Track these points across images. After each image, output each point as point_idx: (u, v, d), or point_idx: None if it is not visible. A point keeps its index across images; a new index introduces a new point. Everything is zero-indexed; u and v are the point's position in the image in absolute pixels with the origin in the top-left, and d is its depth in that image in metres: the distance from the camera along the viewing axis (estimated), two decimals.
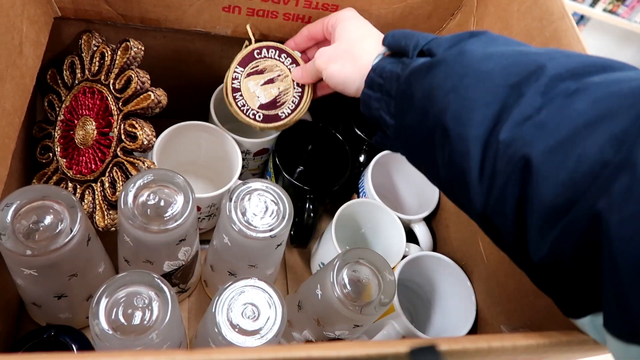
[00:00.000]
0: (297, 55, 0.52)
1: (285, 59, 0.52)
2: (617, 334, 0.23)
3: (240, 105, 0.51)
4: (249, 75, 0.51)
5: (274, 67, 0.52)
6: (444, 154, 0.32)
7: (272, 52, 0.52)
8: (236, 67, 0.51)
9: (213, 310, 0.37)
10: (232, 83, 0.51)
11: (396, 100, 0.36)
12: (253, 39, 0.52)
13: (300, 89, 0.52)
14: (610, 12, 2.08)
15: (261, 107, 0.51)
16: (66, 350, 0.44)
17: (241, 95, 0.51)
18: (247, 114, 0.51)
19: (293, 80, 0.52)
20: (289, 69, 0.52)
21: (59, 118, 0.51)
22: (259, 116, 0.51)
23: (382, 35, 0.42)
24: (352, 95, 0.43)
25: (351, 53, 0.42)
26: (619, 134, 0.23)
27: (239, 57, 0.51)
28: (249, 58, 0.51)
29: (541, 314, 0.40)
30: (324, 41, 0.50)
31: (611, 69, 0.27)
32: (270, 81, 0.51)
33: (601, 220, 0.22)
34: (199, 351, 0.20)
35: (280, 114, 0.52)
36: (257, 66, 0.51)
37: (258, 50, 0.51)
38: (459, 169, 0.30)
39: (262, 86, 0.51)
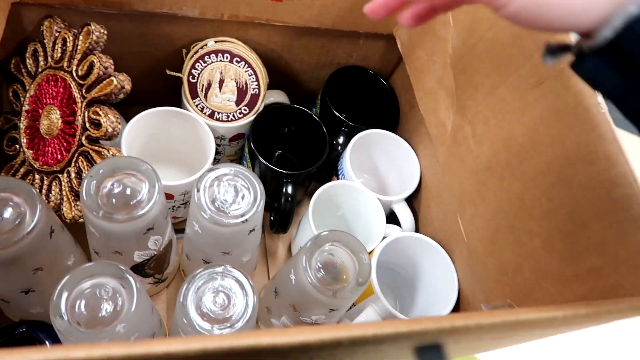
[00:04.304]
0: (211, 46, 0.53)
1: (210, 58, 0.53)
2: None
3: (225, 119, 0.54)
4: (205, 96, 0.53)
5: (211, 70, 0.53)
6: None
7: (199, 65, 0.52)
8: (193, 101, 0.52)
9: (181, 299, 0.36)
10: (204, 112, 0.53)
11: None
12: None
13: (246, 65, 0.53)
14: None
15: (237, 103, 0.54)
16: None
17: (218, 112, 0.53)
18: (236, 117, 0.54)
19: (231, 66, 0.53)
20: (222, 62, 0.53)
21: (24, 108, 0.49)
22: (244, 109, 0.54)
23: None
24: (574, 30, 0.26)
25: None
26: None
27: (186, 90, 0.53)
28: (192, 87, 0.52)
29: (521, 291, 0.39)
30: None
31: None
32: (222, 82, 0.53)
33: None
34: (140, 343, 0.19)
35: (253, 93, 0.54)
36: (203, 83, 0.53)
37: (192, 76, 0.52)
38: None
39: (221, 92, 0.53)
